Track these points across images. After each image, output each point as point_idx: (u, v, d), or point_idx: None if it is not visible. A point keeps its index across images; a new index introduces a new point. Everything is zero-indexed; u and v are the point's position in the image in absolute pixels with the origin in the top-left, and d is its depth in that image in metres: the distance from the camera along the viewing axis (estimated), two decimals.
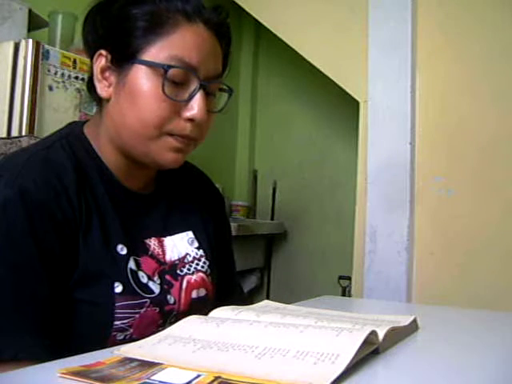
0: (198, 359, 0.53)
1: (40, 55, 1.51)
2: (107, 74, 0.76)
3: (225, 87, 0.83)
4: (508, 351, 0.69)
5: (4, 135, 1.50)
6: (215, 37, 0.78)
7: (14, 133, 1.50)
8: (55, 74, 1.56)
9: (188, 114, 0.75)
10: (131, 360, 0.53)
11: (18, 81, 1.51)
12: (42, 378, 0.51)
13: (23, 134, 1.48)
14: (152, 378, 0.48)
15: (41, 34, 1.77)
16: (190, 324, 0.64)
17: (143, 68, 0.73)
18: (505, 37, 1.54)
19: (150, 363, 0.52)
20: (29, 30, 1.70)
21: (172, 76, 0.73)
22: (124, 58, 0.74)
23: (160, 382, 0.47)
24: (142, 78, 0.73)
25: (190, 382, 0.47)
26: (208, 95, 0.78)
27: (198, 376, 0.48)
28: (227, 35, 0.83)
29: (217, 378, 0.48)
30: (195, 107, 0.74)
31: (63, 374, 0.49)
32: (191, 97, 0.75)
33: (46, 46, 1.55)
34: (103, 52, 0.76)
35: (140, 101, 0.73)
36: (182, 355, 0.54)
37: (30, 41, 1.51)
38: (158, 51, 0.73)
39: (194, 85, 0.75)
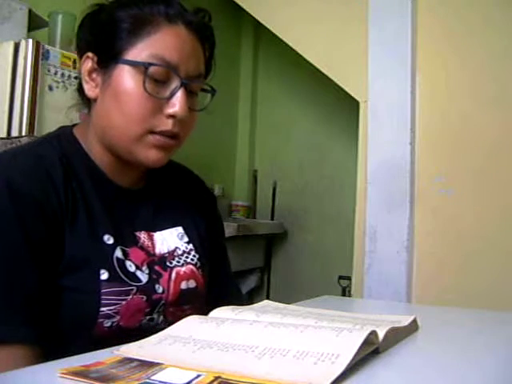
0: (198, 359, 0.53)
1: (40, 55, 1.52)
2: (94, 75, 0.80)
3: (208, 88, 0.85)
4: (508, 351, 0.69)
5: (4, 135, 1.50)
6: (196, 38, 0.80)
7: (14, 133, 1.50)
8: (55, 74, 1.56)
9: (169, 110, 0.77)
10: (131, 360, 0.53)
11: (18, 81, 1.51)
12: (42, 378, 0.51)
13: (23, 134, 1.48)
14: (152, 377, 0.48)
15: (41, 34, 1.77)
16: (190, 324, 0.64)
17: (126, 67, 0.76)
18: (507, 35, 1.53)
19: (149, 363, 0.52)
20: (29, 30, 1.71)
21: (153, 74, 0.76)
22: (109, 58, 0.78)
23: (160, 381, 0.47)
24: (124, 77, 0.76)
25: (190, 381, 0.47)
26: (190, 94, 0.80)
27: (198, 376, 0.48)
28: (210, 38, 0.85)
29: (217, 377, 0.48)
30: (176, 104, 0.77)
31: (63, 374, 0.49)
32: (172, 94, 0.77)
33: (46, 46, 1.56)
34: (90, 54, 0.79)
35: (123, 99, 0.76)
36: (182, 355, 0.54)
37: (30, 41, 1.51)
38: (139, 51, 0.76)
39: (175, 83, 0.77)
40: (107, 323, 0.73)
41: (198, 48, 0.81)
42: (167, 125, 0.77)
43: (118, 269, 0.76)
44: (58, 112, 1.53)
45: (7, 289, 0.68)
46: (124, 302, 0.75)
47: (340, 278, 2.56)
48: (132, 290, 0.76)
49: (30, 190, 0.71)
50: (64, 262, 0.73)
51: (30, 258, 0.69)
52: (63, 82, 1.57)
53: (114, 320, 0.74)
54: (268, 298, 2.81)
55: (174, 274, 0.84)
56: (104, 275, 0.74)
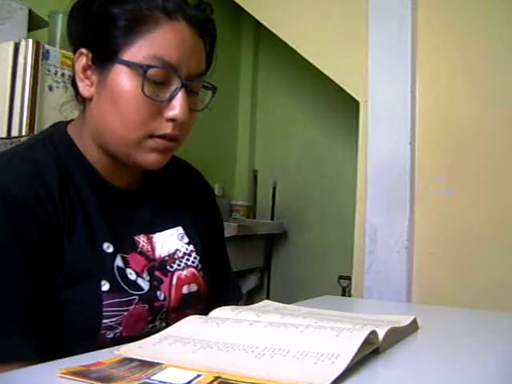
0: (198, 359, 0.53)
1: (40, 55, 1.51)
2: (89, 72, 0.75)
3: (208, 85, 0.81)
4: (508, 351, 0.69)
5: (4, 135, 1.50)
6: (198, 34, 0.76)
7: (14, 133, 1.50)
8: (55, 74, 1.56)
9: (170, 113, 0.73)
10: (131, 360, 0.53)
11: (18, 81, 1.51)
12: (42, 378, 0.51)
13: (23, 133, 1.48)
14: (152, 378, 0.48)
15: (41, 34, 1.77)
16: (190, 324, 0.64)
17: (123, 68, 0.72)
18: (508, 33, 1.53)
19: (149, 363, 0.52)
20: (29, 30, 1.71)
21: (152, 76, 0.72)
22: (105, 57, 0.73)
23: (160, 381, 0.47)
24: (122, 79, 0.72)
25: (190, 382, 0.47)
26: (191, 93, 0.77)
27: (198, 376, 0.48)
28: (211, 32, 0.81)
29: (217, 377, 0.48)
30: (177, 107, 0.73)
31: (63, 374, 0.49)
32: (172, 96, 0.74)
33: (46, 46, 1.55)
34: (84, 51, 0.75)
35: (121, 102, 0.72)
36: (182, 355, 0.54)
37: (30, 41, 1.51)
38: (137, 50, 0.72)
39: (176, 84, 0.74)
40: (109, 334, 0.72)
41: (199, 44, 0.77)
42: (167, 128, 0.74)
43: (119, 278, 0.74)
44: (58, 112, 1.53)
45: (3, 301, 0.65)
46: (126, 313, 0.73)
47: (340, 277, 2.56)
48: (134, 299, 0.74)
49: (24, 199, 0.68)
50: (63, 275, 0.70)
51: (26, 269, 0.67)
52: (63, 82, 1.57)
53: (117, 331, 0.72)
54: (268, 298, 2.82)
55: (175, 279, 0.82)
56: (105, 286, 0.72)
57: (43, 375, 0.52)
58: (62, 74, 1.58)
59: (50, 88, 1.55)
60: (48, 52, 1.54)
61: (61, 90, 1.57)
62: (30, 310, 0.67)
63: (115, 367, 0.51)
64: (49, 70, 1.55)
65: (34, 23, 1.73)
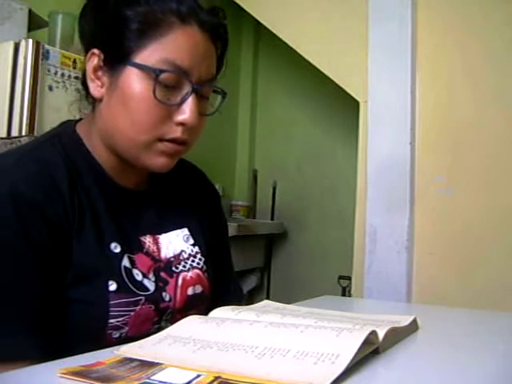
0: (198, 359, 0.53)
1: (40, 55, 1.51)
2: (100, 73, 0.76)
3: (219, 89, 0.82)
4: (508, 351, 0.69)
5: (4, 135, 1.50)
6: (210, 39, 0.77)
7: (14, 133, 1.50)
8: (55, 73, 1.56)
9: (180, 117, 0.74)
10: (131, 360, 0.53)
11: (18, 81, 1.51)
12: (42, 378, 0.51)
13: (23, 134, 1.48)
14: (152, 378, 0.48)
15: (41, 34, 1.77)
16: (190, 324, 0.64)
17: (135, 71, 0.72)
18: (508, 32, 1.53)
19: (150, 363, 0.52)
20: (29, 30, 1.71)
21: (164, 80, 0.72)
22: (117, 59, 0.74)
23: (160, 381, 0.47)
24: (133, 81, 0.73)
25: (190, 382, 0.47)
26: (201, 98, 0.78)
27: (198, 376, 0.48)
28: (223, 36, 0.82)
29: (217, 377, 0.48)
30: (187, 111, 0.74)
31: (63, 374, 0.49)
32: (183, 101, 0.74)
33: (46, 46, 1.55)
34: (96, 51, 0.75)
35: (132, 104, 0.73)
36: (182, 355, 0.54)
37: (30, 41, 1.51)
38: (150, 54, 0.72)
39: (187, 88, 0.74)
40: (115, 334, 0.72)
41: (211, 49, 0.78)
42: (176, 132, 0.75)
43: (126, 279, 0.74)
44: (58, 112, 1.53)
45: (11, 300, 0.66)
46: (132, 313, 0.73)
47: (340, 277, 2.56)
48: (140, 300, 0.75)
49: (34, 198, 0.68)
50: (71, 274, 0.71)
51: (35, 268, 0.67)
52: (63, 82, 1.57)
53: (123, 331, 0.72)
54: (268, 298, 2.81)
55: (180, 280, 0.82)
56: (112, 286, 0.72)
57: (43, 375, 0.52)
58: (62, 74, 1.58)
59: (50, 88, 1.55)
60: (48, 52, 1.54)
61: (61, 90, 1.57)
62: (36, 309, 0.67)
63: (115, 367, 0.51)
64: (49, 70, 1.54)
65: (34, 23, 1.73)
